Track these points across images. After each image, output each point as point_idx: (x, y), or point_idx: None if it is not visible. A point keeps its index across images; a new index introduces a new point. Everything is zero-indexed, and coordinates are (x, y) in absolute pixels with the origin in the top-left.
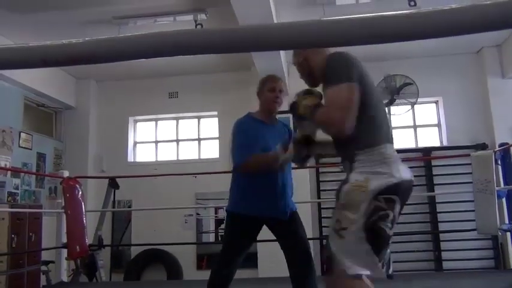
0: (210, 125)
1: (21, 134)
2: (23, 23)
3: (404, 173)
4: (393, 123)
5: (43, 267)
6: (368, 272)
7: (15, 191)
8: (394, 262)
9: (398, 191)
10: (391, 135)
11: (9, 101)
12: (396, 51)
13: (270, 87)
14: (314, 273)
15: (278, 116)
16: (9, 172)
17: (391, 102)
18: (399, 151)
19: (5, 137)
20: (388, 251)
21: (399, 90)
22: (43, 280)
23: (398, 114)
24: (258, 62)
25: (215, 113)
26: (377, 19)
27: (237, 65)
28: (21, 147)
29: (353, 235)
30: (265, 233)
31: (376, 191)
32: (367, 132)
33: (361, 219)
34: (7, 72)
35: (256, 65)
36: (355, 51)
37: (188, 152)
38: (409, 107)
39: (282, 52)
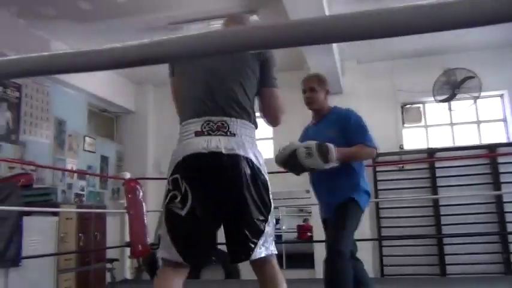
0: (264, 126)
1: (86, 138)
2: (83, 32)
3: (187, 148)
4: (454, 119)
5: (108, 265)
6: (166, 255)
7: (81, 192)
8: (457, 264)
9: (179, 169)
10: (202, 108)
11: (75, 108)
12: (456, 43)
13: (302, 89)
14: (327, 276)
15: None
16: (75, 174)
17: (451, 97)
18: (461, 148)
19: (71, 141)
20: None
21: (460, 84)
22: (108, 277)
23: (460, 110)
24: (310, 61)
25: None
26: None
27: (289, 65)
28: (86, 150)
29: (160, 217)
30: (322, 233)
31: (169, 173)
32: (179, 112)
33: (164, 201)
34: (73, 81)
35: (308, 64)
36: (412, 44)
37: None
38: (472, 101)
39: (335, 49)
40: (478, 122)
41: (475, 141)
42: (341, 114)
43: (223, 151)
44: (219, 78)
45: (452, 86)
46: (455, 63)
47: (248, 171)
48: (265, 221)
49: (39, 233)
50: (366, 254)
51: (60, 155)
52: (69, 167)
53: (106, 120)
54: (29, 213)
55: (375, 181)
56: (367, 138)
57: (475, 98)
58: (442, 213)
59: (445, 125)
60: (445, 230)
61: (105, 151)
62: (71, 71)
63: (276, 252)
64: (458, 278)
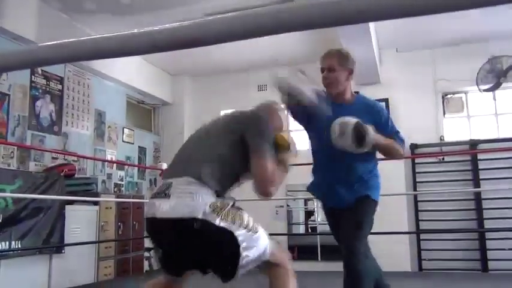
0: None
1: (125, 129)
2: (123, 26)
3: (149, 208)
4: (498, 110)
5: (146, 254)
6: None
7: (120, 182)
8: (500, 260)
9: (147, 228)
10: (177, 165)
11: (115, 100)
12: (500, 30)
13: (320, 68)
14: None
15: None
16: (115, 165)
17: (496, 86)
18: (506, 140)
19: (110, 132)
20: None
21: (506, 72)
22: (146, 265)
23: (506, 100)
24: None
25: None
26: None
27: None
28: (125, 141)
29: None
30: None
31: None
32: None
33: None
34: (112, 73)
35: None
36: (454, 31)
37: None
38: None
39: (373, 37)
40: None
41: None
42: (370, 106)
43: (157, 215)
44: (194, 142)
45: (497, 75)
46: (500, 51)
47: (186, 230)
48: (236, 255)
49: (81, 222)
50: (403, 247)
51: (100, 146)
52: (108, 157)
53: (144, 111)
54: (71, 202)
55: (414, 173)
56: (400, 136)
57: None
58: (484, 207)
59: (489, 116)
60: (488, 224)
61: (143, 142)
62: (109, 56)
63: (268, 258)
64: (501, 274)
